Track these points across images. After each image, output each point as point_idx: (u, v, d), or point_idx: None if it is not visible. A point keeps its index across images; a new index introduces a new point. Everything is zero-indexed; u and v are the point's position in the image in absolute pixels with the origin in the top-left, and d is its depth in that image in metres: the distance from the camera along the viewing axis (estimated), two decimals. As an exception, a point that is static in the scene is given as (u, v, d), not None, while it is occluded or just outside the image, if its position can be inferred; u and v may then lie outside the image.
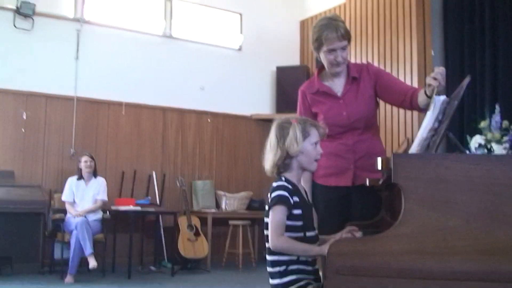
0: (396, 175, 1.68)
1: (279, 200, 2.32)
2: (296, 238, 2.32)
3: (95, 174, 6.77)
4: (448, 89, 3.37)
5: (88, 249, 6.04)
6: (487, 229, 1.63)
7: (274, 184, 2.41)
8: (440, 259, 1.62)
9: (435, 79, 2.45)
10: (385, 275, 1.64)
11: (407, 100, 2.88)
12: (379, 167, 1.91)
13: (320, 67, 3.14)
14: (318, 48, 2.99)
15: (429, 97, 2.59)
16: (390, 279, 1.64)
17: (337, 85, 3.09)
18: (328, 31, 2.89)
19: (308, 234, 2.39)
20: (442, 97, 2.22)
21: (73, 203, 6.59)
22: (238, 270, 7.33)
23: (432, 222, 1.65)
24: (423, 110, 2.79)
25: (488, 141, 4.25)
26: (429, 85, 2.51)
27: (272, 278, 2.38)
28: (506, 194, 1.63)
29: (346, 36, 2.94)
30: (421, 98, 2.72)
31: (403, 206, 1.67)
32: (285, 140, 2.39)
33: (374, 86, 3.04)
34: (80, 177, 6.68)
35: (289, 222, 2.33)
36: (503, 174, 1.65)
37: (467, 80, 2.24)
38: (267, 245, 2.40)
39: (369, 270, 1.65)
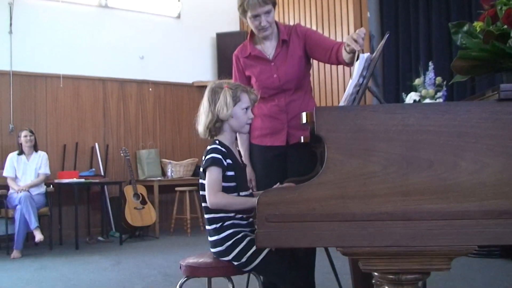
0: (318, 127, 1.78)
1: (213, 161, 2.42)
2: None
3: (35, 148, 6.71)
4: (384, 48, 3.48)
5: (33, 223, 6.02)
6: (403, 173, 1.75)
7: (208, 147, 2.51)
8: (361, 202, 1.74)
9: (356, 41, 2.51)
10: (311, 220, 1.75)
11: (332, 55, 2.94)
12: (304, 121, 2.01)
13: (252, 31, 3.20)
14: (243, 14, 3.03)
15: (349, 53, 2.70)
16: (315, 223, 1.75)
17: (269, 48, 3.15)
18: None
19: (242, 194, 2.50)
20: (366, 54, 2.31)
21: (15, 178, 6.53)
22: (187, 234, 7.43)
23: (353, 169, 1.76)
24: (349, 65, 2.88)
25: (422, 97, 4.43)
26: (348, 45, 2.59)
27: (210, 235, 2.49)
28: (419, 140, 1.75)
29: (269, 0, 2.96)
30: (345, 53, 2.79)
31: (326, 156, 1.77)
32: (216, 104, 2.48)
33: (303, 46, 3.10)
34: (21, 152, 6.62)
35: (223, 184, 2.44)
36: (417, 121, 1.76)
37: (386, 36, 2.35)
38: (203, 205, 2.50)
39: (296, 217, 1.76)
